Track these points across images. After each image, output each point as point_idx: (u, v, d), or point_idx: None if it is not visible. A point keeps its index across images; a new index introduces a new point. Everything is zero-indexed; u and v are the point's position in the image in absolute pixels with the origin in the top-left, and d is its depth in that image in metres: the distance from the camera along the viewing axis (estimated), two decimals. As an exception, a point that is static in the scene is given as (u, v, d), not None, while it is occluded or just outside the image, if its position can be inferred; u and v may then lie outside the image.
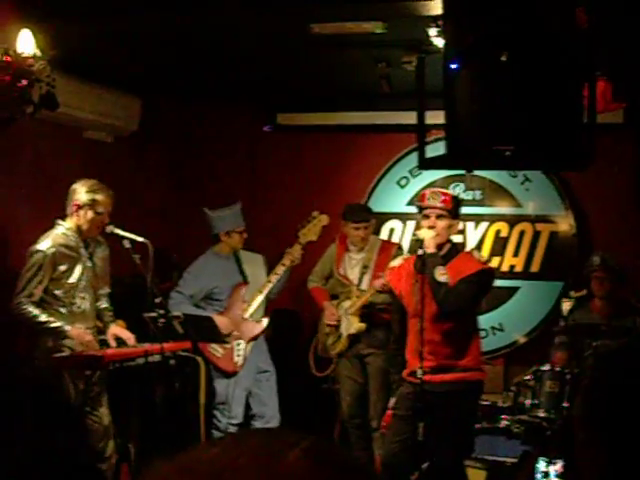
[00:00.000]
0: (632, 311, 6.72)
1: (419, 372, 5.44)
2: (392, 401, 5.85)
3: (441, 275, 5.45)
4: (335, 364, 7.17)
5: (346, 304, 7.04)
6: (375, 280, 6.83)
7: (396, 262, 6.03)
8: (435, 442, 5.48)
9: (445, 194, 5.72)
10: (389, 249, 7.13)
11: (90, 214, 6.02)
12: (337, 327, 7.09)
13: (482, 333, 6.33)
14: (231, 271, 7.37)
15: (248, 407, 7.40)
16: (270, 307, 7.50)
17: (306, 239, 7.17)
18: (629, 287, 6.85)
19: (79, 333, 5.89)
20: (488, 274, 5.79)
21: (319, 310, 7.31)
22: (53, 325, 5.82)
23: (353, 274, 7.09)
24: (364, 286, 6.99)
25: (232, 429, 7.25)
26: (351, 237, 7.07)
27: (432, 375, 5.52)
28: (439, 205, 5.61)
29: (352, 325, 6.95)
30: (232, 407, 7.24)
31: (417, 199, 5.86)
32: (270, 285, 7.24)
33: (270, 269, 7.33)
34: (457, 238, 7.76)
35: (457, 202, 5.79)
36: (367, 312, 6.92)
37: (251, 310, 7.29)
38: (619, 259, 6.88)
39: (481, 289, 5.72)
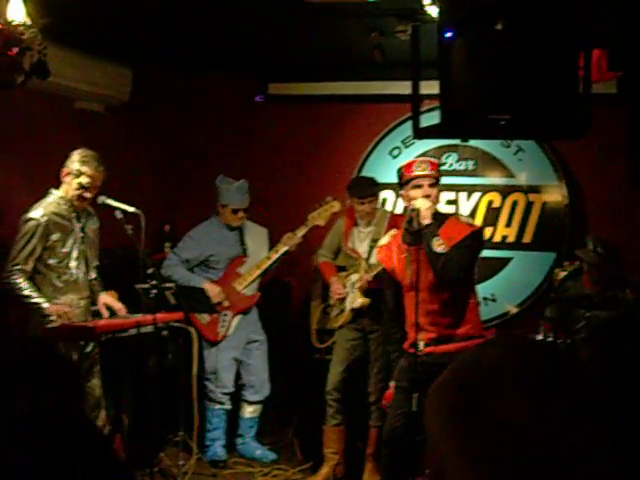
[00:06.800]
0: (624, 283, 6.72)
1: (421, 344, 5.43)
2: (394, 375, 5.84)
3: (439, 246, 5.38)
4: (336, 336, 7.13)
5: (354, 277, 6.96)
6: None
7: (384, 240, 5.98)
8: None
9: (432, 162, 5.68)
10: (398, 221, 7.06)
11: (74, 183, 5.99)
12: (342, 300, 7.04)
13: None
14: (232, 241, 7.39)
15: (239, 376, 7.43)
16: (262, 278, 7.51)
17: (314, 222, 7.19)
18: (621, 260, 6.83)
19: (57, 308, 5.83)
20: (479, 234, 5.75)
21: (326, 284, 7.23)
22: (33, 301, 5.80)
23: (362, 248, 6.99)
24: (373, 260, 6.82)
25: (224, 399, 7.28)
26: (357, 212, 6.96)
27: (434, 346, 5.49)
28: (430, 173, 5.58)
29: (356, 299, 6.89)
30: (220, 376, 7.28)
31: (402, 171, 5.71)
32: (269, 262, 7.32)
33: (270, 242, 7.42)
34: (450, 208, 7.78)
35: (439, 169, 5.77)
36: (374, 288, 6.73)
37: (245, 283, 7.31)
38: (611, 232, 6.87)
39: (475, 251, 5.66)
